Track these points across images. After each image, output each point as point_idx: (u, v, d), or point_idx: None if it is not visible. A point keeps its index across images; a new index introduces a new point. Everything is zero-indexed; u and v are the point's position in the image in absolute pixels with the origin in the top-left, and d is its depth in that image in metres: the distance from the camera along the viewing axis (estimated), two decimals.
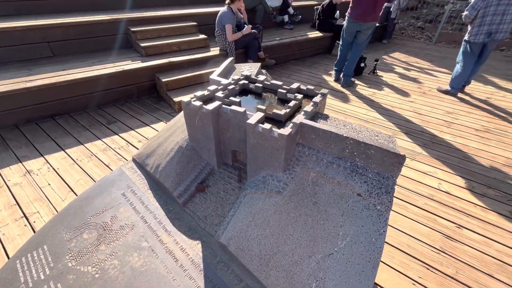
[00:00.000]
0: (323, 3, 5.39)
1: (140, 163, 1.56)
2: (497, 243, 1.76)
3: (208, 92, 1.25)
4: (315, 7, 5.69)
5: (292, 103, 1.15)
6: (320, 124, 1.00)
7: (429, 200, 2.10)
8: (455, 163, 2.53)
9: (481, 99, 3.90)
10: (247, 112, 1.10)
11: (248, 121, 1.01)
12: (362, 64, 4.52)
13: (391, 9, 6.30)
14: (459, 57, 3.79)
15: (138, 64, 3.44)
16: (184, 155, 1.33)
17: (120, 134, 2.75)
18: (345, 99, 3.76)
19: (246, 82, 1.38)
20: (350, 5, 3.60)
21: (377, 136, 1.04)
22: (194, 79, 3.60)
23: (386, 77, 4.65)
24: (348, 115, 3.34)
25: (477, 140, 2.91)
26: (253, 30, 4.08)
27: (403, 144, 2.80)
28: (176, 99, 3.24)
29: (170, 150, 1.38)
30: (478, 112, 3.53)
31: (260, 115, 1.05)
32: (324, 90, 1.29)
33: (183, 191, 1.31)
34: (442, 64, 5.36)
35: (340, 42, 4.03)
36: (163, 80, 3.35)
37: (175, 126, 1.52)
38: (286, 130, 0.96)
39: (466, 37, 3.63)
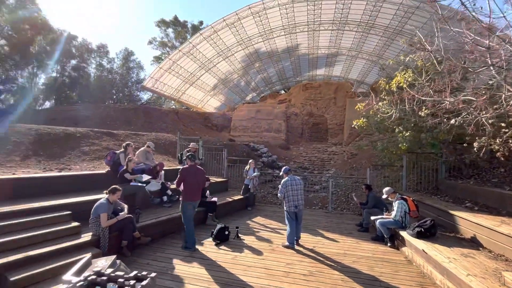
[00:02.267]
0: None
1: None
2: None
3: None
4: None
5: None
6: None
7: None
8: None
9: (309, 248, 5.41)
10: None
11: None
12: (226, 232, 5.64)
13: (249, 186, 8.69)
14: (286, 221, 5.52)
15: None
16: None
17: None
18: (211, 266, 4.39)
19: (95, 277, 1.89)
20: (184, 193, 5.00)
21: None
22: (56, 271, 3.49)
23: (247, 239, 5.81)
24: (211, 282, 3.87)
25: (304, 284, 3.92)
26: (128, 215, 4.73)
27: None
28: None
29: None
30: (306, 259, 4.84)
31: None
32: (152, 274, 1.95)
33: None
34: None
35: (185, 220, 5.06)
36: (12, 279, 3.13)
37: None
38: None
39: (284, 208, 5.52)
